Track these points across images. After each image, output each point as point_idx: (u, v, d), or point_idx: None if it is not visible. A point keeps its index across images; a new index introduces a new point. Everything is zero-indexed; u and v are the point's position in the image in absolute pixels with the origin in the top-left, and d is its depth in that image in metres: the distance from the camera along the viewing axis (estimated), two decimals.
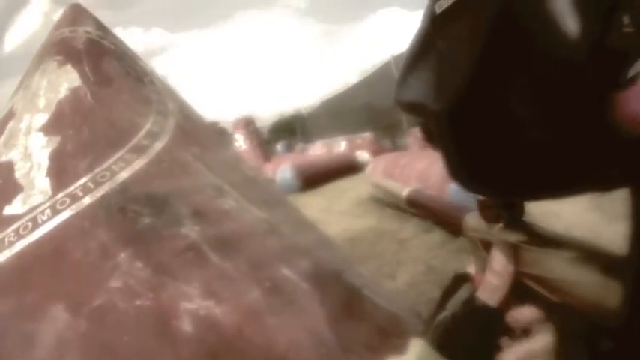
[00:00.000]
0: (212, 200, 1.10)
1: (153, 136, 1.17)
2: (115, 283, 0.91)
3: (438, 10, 0.77)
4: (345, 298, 1.06)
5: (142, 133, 1.17)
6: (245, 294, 0.94)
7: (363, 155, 12.27)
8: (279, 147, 19.98)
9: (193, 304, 0.89)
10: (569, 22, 0.58)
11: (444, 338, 1.00)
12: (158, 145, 1.15)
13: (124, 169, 1.07)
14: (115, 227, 0.98)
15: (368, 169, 7.87)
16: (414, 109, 0.86)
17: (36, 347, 0.86)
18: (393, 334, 1.04)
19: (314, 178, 9.57)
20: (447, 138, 0.81)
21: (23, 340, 0.88)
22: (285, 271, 1.02)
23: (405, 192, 3.78)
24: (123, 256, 0.94)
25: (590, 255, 0.83)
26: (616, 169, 0.66)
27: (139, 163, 1.09)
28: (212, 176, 1.17)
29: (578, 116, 0.62)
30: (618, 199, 0.73)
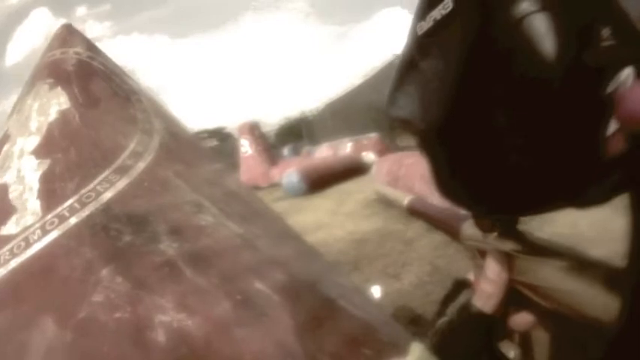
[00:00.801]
0: (190, 217, 1.23)
1: (136, 155, 1.31)
2: (98, 297, 1.03)
3: (420, 32, 0.87)
4: (316, 309, 1.17)
5: (126, 153, 1.30)
6: (215, 307, 1.06)
7: (369, 156, 12.43)
8: (285, 151, 20.31)
9: (167, 317, 1.01)
10: (546, 41, 0.66)
11: (442, 343, 1.12)
12: (141, 165, 1.28)
13: (108, 189, 1.21)
14: (98, 245, 1.11)
15: (372, 170, 8.02)
16: (404, 125, 0.96)
17: (28, 355, 1.00)
18: (364, 344, 1.14)
19: (320, 181, 9.80)
20: (432, 155, 0.91)
21: (18, 348, 1.01)
22: (258, 284, 1.13)
23: (405, 200, 3.91)
24: (105, 272, 1.07)
25: (583, 265, 0.92)
26: (597, 183, 0.75)
27: (122, 183, 1.22)
28: (192, 193, 1.30)
29: (557, 133, 0.71)
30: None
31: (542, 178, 0.71)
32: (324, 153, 15.93)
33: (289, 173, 10.47)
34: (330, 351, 1.09)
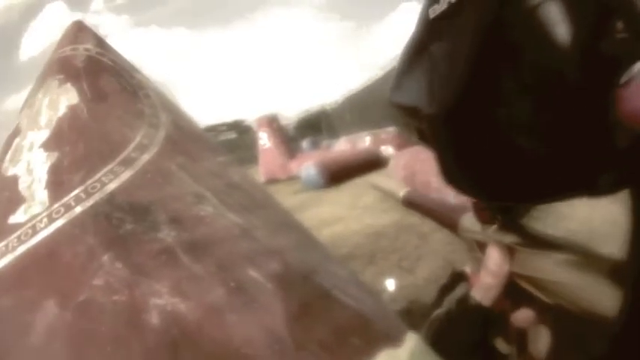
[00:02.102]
0: (190, 207, 1.32)
1: (142, 148, 1.40)
2: (98, 281, 1.12)
3: (432, 15, 0.88)
4: (308, 299, 1.24)
5: (132, 145, 1.39)
6: (209, 293, 1.14)
7: (387, 150, 12.48)
8: (304, 144, 20.48)
9: (162, 300, 1.10)
10: (561, 27, 0.67)
11: (438, 334, 1.15)
12: (145, 157, 1.37)
13: (113, 180, 1.30)
14: (100, 233, 1.21)
15: (390, 164, 8.05)
16: (407, 111, 0.99)
17: (30, 336, 1.09)
18: (354, 333, 1.21)
19: (339, 174, 9.91)
20: (440, 141, 0.94)
21: (21, 329, 1.11)
22: (252, 273, 1.21)
23: (401, 192, 3.92)
24: (105, 258, 1.16)
25: (585, 258, 0.91)
26: (610, 173, 0.78)
27: (126, 175, 1.32)
28: (194, 184, 1.38)
29: (570, 122, 0.72)
30: None
31: (554, 165, 0.73)
32: (342, 146, 16.12)
33: (307, 166, 10.64)
34: (319, 339, 1.16)
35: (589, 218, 0.90)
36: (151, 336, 1.07)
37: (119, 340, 1.08)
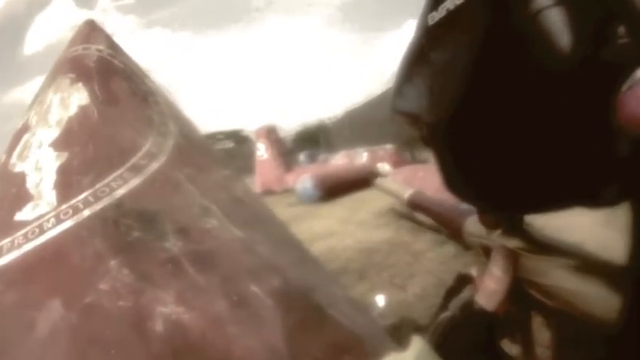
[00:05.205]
0: (196, 219, 1.39)
1: (151, 156, 1.47)
2: (104, 285, 1.19)
3: (431, 22, 0.88)
4: (305, 315, 1.32)
5: (141, 153, 1.46)
6: (212, 304, 1.21)
7: (384, 167, 12.60)
8: (301, 157, 20.61)
9: (167, 309, 1.17)
10: (562, 36, 0.68)
11: (443, 338, 1.19)
12: (154, 165, 1.45)
13: (122, 186, 1.36)
14: (108, 238, 1.27)
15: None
16: (409, 119, 1.02)
17: (35, 333, 1.15)
18: (347, 351, 1.29)
19: (334, 189, 9.92)
20: (440, 148, 0.96)
21: (25, 326, 1.17)
22: (254, 288, 1.28)
23: (406, 194, 3.98)
24: (113, 263, 1.22)
25: (588, 264, 0.94)
26: (613, 184, 0.76)
27: (135, 182, 1.39)
28: (200, 196, 1.45)
29: (571, 129, 0.72)
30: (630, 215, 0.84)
31: (554, 174, 0.74)
32: (340, 161, 16.20)
33: (303, 179, 10.65)
34: (314, 355, 1.24)
35: (590, 226, 0.93)
36: (155, 343, 1.14)
37: (123, 345, 1.14)
